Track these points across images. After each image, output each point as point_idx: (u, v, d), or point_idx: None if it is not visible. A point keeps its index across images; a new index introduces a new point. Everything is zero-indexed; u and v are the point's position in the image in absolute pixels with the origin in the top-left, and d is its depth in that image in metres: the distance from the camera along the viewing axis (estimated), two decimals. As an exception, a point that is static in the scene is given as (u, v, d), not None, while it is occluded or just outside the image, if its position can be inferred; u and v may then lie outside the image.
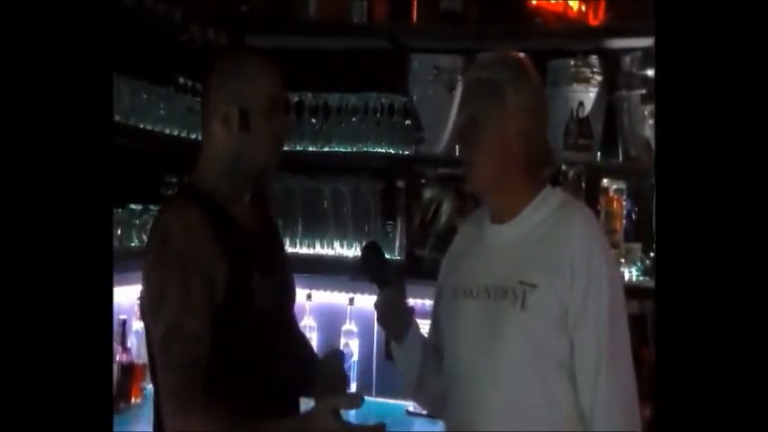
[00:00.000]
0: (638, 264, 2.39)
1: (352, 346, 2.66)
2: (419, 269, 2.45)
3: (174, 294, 1.36)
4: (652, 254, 2.37)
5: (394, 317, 1.55)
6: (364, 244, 1.64)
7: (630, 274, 2.38)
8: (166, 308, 1.36)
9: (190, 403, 1.32)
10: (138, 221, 2.16)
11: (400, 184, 2.63)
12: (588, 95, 2.50)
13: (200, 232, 1.42)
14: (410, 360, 1.58)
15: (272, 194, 2.63)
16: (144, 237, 2.15)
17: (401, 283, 1.57)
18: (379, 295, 1.54)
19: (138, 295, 1.47)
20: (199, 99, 2.38)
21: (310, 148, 2.66)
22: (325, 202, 2.69)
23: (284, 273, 1.60)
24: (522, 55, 1.54)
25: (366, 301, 2.61)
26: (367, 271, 1.57)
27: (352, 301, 2.68)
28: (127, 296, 2.41)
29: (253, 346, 1.46)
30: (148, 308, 1.41)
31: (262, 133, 1.48)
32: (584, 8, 2.49)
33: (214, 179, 1.50)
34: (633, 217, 2.49)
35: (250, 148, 1.48)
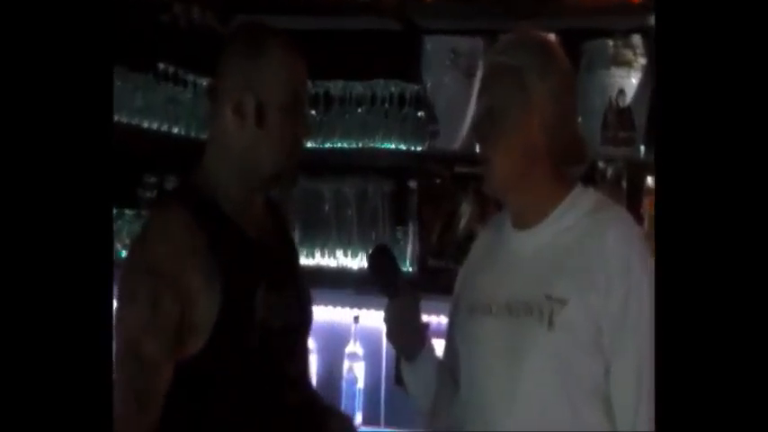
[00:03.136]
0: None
1: (356, 371, 2.68)
2: (434, 282, 2.45)
3: (138, 310, 1.38)
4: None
5: (405, 332, 1.56)
6: (373, 247, 1.66)
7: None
8: (127, 323, 1.38)
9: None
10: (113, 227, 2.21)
11: (412, 184, 2.64)
12: (630, 81, 2.50)
13: (187, 242, 1.42)
14: (423, 383, 1.59)
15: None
16: (118, 244, 2.20)
17: (414, 294, 1.59)
18: (388, 307, 1.56)
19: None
20: (182, 88, 2.45)
21: (309, 144, 2.66)
22: (327, 206, 2.70)
23: (299, 290, 1.59)
24: (548, 36, 1.56)
25: (373, 319, 2.63)
26: (376, 278, 1.58)
27: (357, 318, 2.70)
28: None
29: (257, 369, 1.47)
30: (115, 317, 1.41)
31: (278, 132, 1.47)
32: (625, -20, 2.51)
33: (218, 178, 1.49)
34: (682, 221, 2.51)
35: (262, 147, 1.47)
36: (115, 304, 1.42)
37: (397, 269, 1.59)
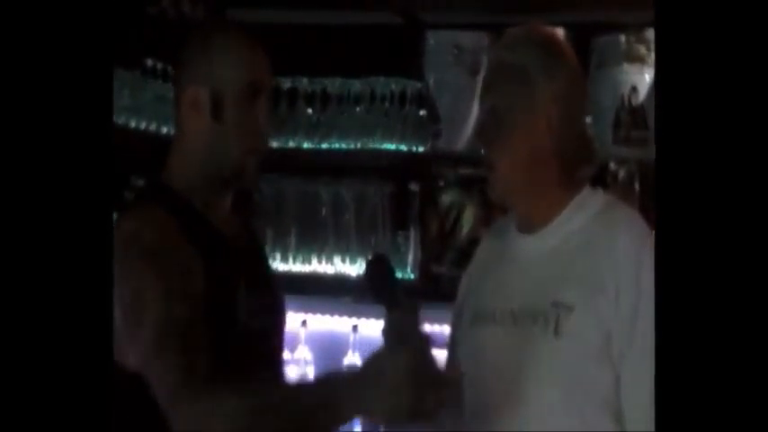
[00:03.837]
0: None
1: (356, 383, 2.68)
2: (436, 289, 2.47)
3: (153, 288, 1.38)
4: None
5: (405, 345, 1.57)
6: (371, 255, 1.67)
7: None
8: (148, 305, 1.38)
9: (202, 386, 1.34)
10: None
11: (414, 187, 2.66)
12: (643, 78, 2.51)
13: (169, 232, 1.44)
14: None
15: (258, 200, 2.66)
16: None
17: (414, 305, 1.59)
18: (386, 319, 1.56)
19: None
20: (171, 85, 2.44)
21: (306, 145, 2.69)
22: (324, 209, 2.72)
23: (273, 291, 1.62)
24: (555, 31, 1.56)
25: (373, 328, 2.63)
26: (372, 289, 1.59)
27: (355, 328, 2.70)
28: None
29: (236, 371, 1.44)
30: (125, 318, 1.40)
31: (237, 126, 1.50)
32: (637, -28, 2.52)
33: (186, 177, 1.52)
34: (698, 225, 2.50)
35: (222, 142, 1.50)
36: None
37: (394, 280, 1.60)
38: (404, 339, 1.54)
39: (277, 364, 1.64)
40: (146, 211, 1.50)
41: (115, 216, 2.28)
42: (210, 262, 1.46)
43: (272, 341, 1.60)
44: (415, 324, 1.57)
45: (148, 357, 1.39)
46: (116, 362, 1.49)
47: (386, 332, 1.56)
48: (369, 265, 1.63)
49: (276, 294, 1.64)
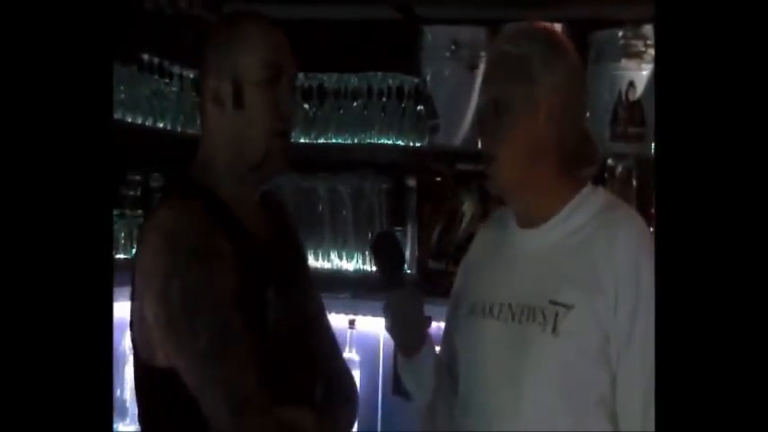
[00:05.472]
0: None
1: (352, 379, 2.69)
2: (434, 285, 2.46)
3: (207, 297, 1.39)
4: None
5: (407, 325, 1.55)
6: (377, 232, 1.65)
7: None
8: (203, 309, 1.39)
9: (260, 403, 1.40)
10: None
11: (411, 182, 2.66)
12: (640, 74, 2.51)
13: (213, 230, 1.44)
14: (421, 382, 1.59)
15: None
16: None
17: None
18: (391, 297, 1.55)
19: (132, 318, 1.49)
20: (167, 80, 2.45)
21: (302, 140, 2.68)
22: (321, 205, 2.72)
23: (305, 290, 1.62)
24: (555, 25, 1.56)
25: (370, 324, 2.64)
26: (378, 264, 1.59)
27: (352, 323, 2.69)
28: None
29: (268, 370, 1.45)
30: (170, 316, 1.40)
31: (258, 110, 1.49)
32: (635, -33, 2.52)
33: (213, 172, 1.52)
34: (695, 221, 2.51)
35: (245, 128, 1.49)
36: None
37: (402, 258, 1.61)
38: (407, 317, 1.54)
39: (314, 366, 1.60)
40: (186, 206, 1.46)
41: (117, 211, 2.28)
42: (240, 261, 1.46)
43: (305, 342, 1.57)
44: (419, 303, 1.55)
45: (200, 369, 1.40)
46: (140, 359, 1.49)
47: (388, 309, 1.55)
48: (376, 239, 1.64)
49: (308, 293, 1.63)
